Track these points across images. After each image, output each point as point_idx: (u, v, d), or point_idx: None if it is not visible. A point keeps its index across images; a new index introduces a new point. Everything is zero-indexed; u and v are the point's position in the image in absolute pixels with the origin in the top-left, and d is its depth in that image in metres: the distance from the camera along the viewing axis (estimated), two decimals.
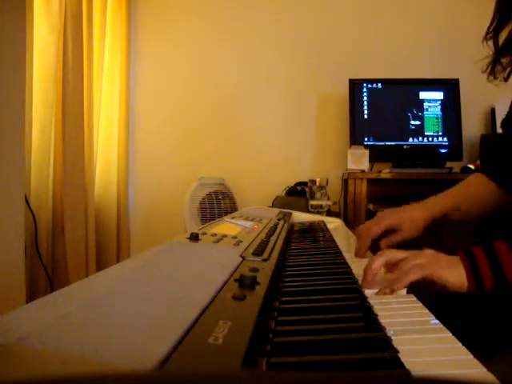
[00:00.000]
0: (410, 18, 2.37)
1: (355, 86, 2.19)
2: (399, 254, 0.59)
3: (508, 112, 0.90)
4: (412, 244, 0.81)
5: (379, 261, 0.57)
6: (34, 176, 1.77)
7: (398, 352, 0.33)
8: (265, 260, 0.52)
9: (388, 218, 0.83)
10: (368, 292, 0.53)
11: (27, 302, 0.29)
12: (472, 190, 0.91)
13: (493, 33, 0.81)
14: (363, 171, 2.01)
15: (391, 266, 0.59)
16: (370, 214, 1.98)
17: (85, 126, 1.99)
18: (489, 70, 0.83)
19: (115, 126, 2.29)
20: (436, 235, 0.88)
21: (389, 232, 0.82)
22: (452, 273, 0.57)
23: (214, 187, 2.16)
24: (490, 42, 0.82)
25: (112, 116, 2.28)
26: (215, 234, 0.64)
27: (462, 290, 0.57)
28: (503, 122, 0.92)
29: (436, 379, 0.16)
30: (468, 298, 0.67)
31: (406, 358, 0.32)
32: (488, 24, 0.81)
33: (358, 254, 0.77)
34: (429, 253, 0.60)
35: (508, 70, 0.82)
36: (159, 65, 2.47)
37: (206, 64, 2.44)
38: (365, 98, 2.19)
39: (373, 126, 2.17)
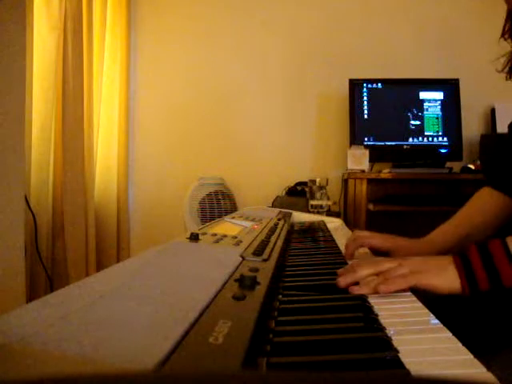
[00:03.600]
0: (410, 18, 2.37)
1: (355, 86, 2.19)
2: (385, 266, 0.57)
3: None
4: None
5: (366, 272, 0.55)
6: (33, 176, 1.77)
7: (398, 352, 0.33)
8: (265, 260, 0.52)
9: (387, 240, 0.80)
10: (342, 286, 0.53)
11: (27, 302, 0.29)
12: (477, 216, 0.87)
13: (509, 32, 0.80)
14: (363, 171, 2.01)
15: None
16: (370, 214, 1.98)
17: (85, 126, 1.99)
18: (507, 69, 0.82)
19: (115, 126, 2.29)
20: None
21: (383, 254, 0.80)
22: (443, 278, 0.55)
23: (214, 187, 2.16)
24: (503, 41, 0.81)
25: (112, 116, 2.28)
26: (215, 234, 0.64)
27: (453, 292, 0.55)
28: (511, 125, 0.90)
29: (436, 379, 0.15)
30: (467, 297, 0.67)
31: (406, 358, 0.32)
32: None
33: (346, 257, 0.75)
34: (415, 260, 0.58)
35: None
36: (159, 65, 2.47)
37: (206, 64, 2.44)
38: (365, 98, 2.19)
39: (373, 126, 2.17)
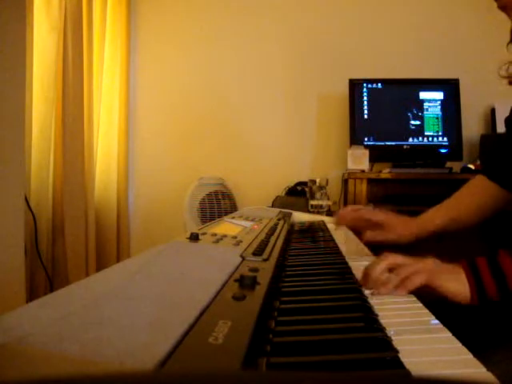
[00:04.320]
0: (410, 19, 2.37)
1: (355, 86, 2.19)
2: (400, 259, 0.58)
3: (511, 109, 0.89)
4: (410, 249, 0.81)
5: (381, 266, 0.56)
6: (33, 176, 1.77)
7: (397, 352, 0.33)
8: (265, 260, 0.52)
9: (382, 214, 0.83)
10: (368, 292, 0.53)
11: (27, 302, 0.29)
12: (467, 199, 0.90)
13: None
14: (363, 171, 2.01)
15: (392, 270, 0.58)
16: None
17: (85, 126, 1.99)
18: None
19: (115, 126, 2.29)
20: (437, 242, 0.86)
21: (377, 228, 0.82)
22: (454, 284, 0.55)
23: (214, 187, 2.16)
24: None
25: (112, 116, 2.28)
26: (215, 234, 0.64)
27: (464, 301, 0.55)
28: (507, 120, 0.91)
29: (436, 379, 0.15)
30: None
31: (406, 358, 0.32)
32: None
33: (338, 221, 0.76)
34: (430, 261, 0.59)
35: None
36: (159, 65, 2.47)
37: (206, 64, 2.44)
38: (365, 98, 2.19)
39: (373, 126, 2.17)
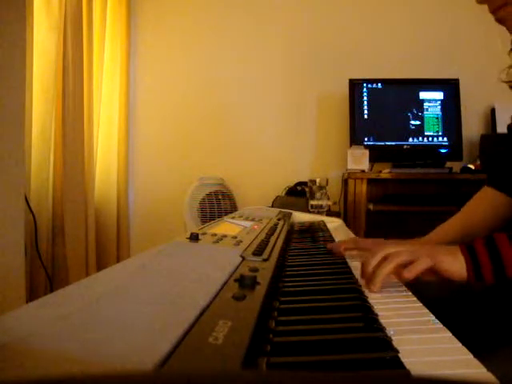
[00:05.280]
0: (410, 18, 2.37)
1: (355, 86, 2.19)
2: (393, 250, 0.58)
3: None
4: None
5: (375, 259, 0.57)
6: (33, 176, 1.77)
7: (398, 352, 0.33)
8: (265, 260, 0.52)
9: (390, 247, 0.81)
10: (368, 292, 0.53)
11: (27, 302, 0.29)
12: (477, 213, 0.89)
13: None
14: (363, 171, 2.01)
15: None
16: (370, 214, 1.98)
17: (85, 126, 1.99)
18: None
19: (115, 126, 2.29)
20: None
21: None
22: (453, 262, 0.57)
23: (214, 187, 2.16)
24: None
25: (112, 116, 2.28)
26: (215, 234, 0.64)
27: (462, 279, 0.57)
28: (509, 127, 0.91)
29: (436, 379, 0.15)
30: (467, 297, 0.67)
31: (406, 358, 0.32)
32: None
33: (337, 248, 0.72)
34: (426, 246, 0.60)
35: None
36: (159, 64, 2.47)
37: (206, 64, 2.44)
38: (365, 98, 2.19)
39: (373, 126, 2.17)
